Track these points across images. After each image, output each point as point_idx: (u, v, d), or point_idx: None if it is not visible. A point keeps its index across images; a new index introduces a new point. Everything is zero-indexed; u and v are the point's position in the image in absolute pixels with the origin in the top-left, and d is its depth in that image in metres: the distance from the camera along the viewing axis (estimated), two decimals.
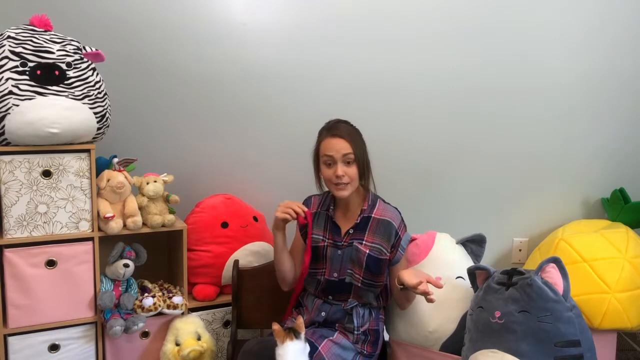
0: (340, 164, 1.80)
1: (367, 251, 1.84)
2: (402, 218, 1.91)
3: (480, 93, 2.59)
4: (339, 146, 1.79)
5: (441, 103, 2.56)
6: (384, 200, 1.94)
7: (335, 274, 1.88)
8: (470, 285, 1.98)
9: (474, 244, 2.17)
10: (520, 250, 2.81)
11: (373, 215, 1.88)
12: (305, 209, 1.84)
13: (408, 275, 1.73)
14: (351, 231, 1.88)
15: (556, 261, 1.79)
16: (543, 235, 2.73)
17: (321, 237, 1.91)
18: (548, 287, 1.73)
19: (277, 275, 1.96)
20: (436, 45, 2.50)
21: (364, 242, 1.86)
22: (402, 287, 1.77)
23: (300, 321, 1.69)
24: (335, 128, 1.84)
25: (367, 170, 1.85)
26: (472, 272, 1.96)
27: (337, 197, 1.87)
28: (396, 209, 1.93)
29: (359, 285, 1.85)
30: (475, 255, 2.17)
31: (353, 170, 1.81)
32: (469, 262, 2.11)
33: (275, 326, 1.66)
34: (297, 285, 1.95)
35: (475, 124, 2.62)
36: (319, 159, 1.87)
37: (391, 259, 1.86)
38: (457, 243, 2.17)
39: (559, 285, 1.75)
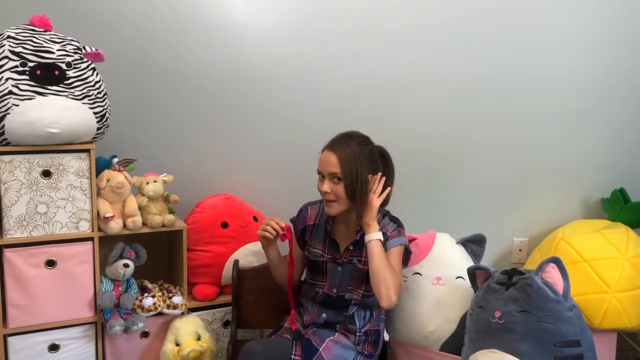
0: (326, 179, 1.76)
1: (366, 268, 1.79)
2: (396, 226, 1.83)
3: (480, 93, 2.59)
4: (328, 161, 1.75)
5: (441, 102, 2.55)
6: (385, 215, 1.87)
7: (335, 290, 1.86)
8: (470, 285, 1.98)
9: (474, 244, 2.17)
10: (520, 250, 2.80)
11: None
12: (283, 225, 1.80)
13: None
14: (351, 247, 1.85)
15: (556, 261, 1.79)
16: (543, 235, 2.72)
17: (320, 252, 1.89)
18: (548, 287, 1.73)
19: (278, 282, 1.97)
20: (436, 45, 2.50)
21: (363, 259, 1.82)
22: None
23: None
24: (336, 142, 1.77)
25: (361, 190, 1.74)
26: (472, 272, 1.96)
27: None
28: (394, 219, 1.86)
29: (359, 299, 1.84)
30: (475, 255, 2.17)
31: (339, 189, 1.74)
32: (469, 262, 2.11)
33: None
34: (289, 299, 1.93)
35: (476, 123, 2.62)
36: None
37: None
38: (457, 243, 2.17)
39: (559, 285, 1.75)
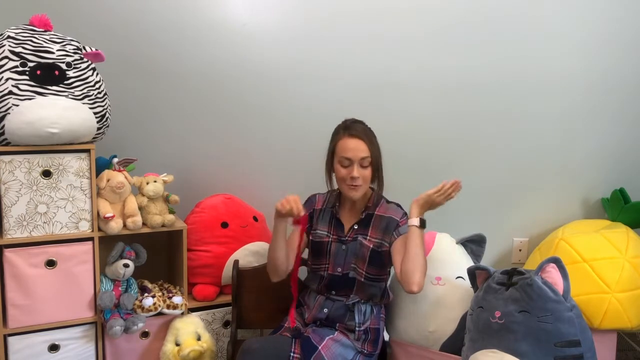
0: (356, 165, 1.82)
1: (371, 246, 1.87)
2: (404, 212, 1.93)
3: (480, 93, 2.59)
4: (357, 148, 1.82)
5: (441, 102, 2.55)
6: (387, 200, 1.96)
7: (339, 269, 1.89)
8: (470, 285, 1.98)
9: (474, 244, 2.17)
10: (520, 250, 2.80)
11: (376, 212, 1.91)
12: (302, 213, 1.79)
13: (419, 201, 1.87)
14: (355, 226, 1.91)
15: (556, 261, 1.79)
16: (543, 235, 2.72)
17: (326, 233, 1.93)
18: (548, 287, 1.73)
19: (269, 264, 1.89)
20: (436, 44, 2.50)
21: (368, 237, 1.88)
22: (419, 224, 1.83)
23: None
24: (354, 128, 1.85)
25: (380, 172, 1.88)
26: (472, 272, 1.96)
27: (347, 197, 1.88)
28: (399, 205, 1.95)
29: (362, 280, 1.86)
30: (475, 255, 2.17)
31: (368, 172, 1.84)
32: (469, 262, 2.12)
33: None
34: (292, 287, 1.94)
35: (476, 123, 2.62)
36: (334, 157, 1.88)
37: (390, 242, 1.87)
38: (457, 243, 2.17)
39: (559, 285, 1.75)
